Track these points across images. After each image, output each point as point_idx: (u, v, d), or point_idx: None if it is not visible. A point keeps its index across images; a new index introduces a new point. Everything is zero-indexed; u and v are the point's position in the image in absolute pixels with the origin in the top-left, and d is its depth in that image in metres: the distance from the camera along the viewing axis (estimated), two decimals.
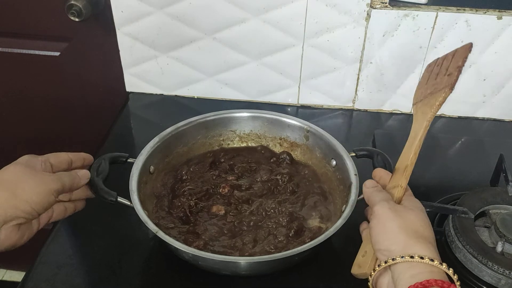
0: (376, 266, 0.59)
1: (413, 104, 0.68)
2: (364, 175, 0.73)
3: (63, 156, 0.68)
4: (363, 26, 0.94)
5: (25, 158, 0.64)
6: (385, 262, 0.57)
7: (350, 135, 1.04)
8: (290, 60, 1.00)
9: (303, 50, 0.98)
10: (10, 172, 0.61)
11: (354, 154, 0.79)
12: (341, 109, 1.06)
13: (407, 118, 1.05)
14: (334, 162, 0.80)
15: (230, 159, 0.88)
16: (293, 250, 0.65)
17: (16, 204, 0.58)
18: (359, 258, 0.64)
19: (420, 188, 0.84)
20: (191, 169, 0.85)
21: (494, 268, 0.67)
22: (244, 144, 0.90)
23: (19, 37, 1.07)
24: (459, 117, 1.05)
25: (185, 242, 0.70)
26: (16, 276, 1.63)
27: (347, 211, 0.69)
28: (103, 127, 1.02)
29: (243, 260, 0.67)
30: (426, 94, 0.65)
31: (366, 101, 1.05)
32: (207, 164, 0.86)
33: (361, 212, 0.67)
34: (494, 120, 1.05)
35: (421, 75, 0.70)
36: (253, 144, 0.90)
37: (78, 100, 1.14)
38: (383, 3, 0.91)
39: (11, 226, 0.58)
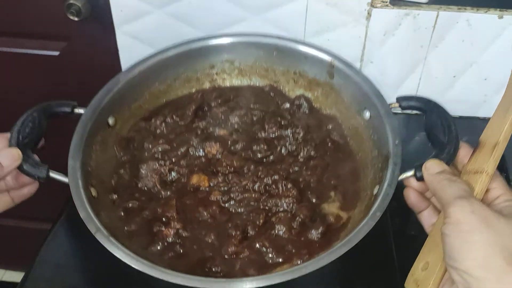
0: None
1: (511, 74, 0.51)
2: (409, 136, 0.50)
3: None
4: (363, 25, 0.94)
5: None
6: None
7: None
8: None
9: None
10: None
11: (397, 105, 0.57)
12: None
13: (408, 118, 1.04)
14: (367, 114, 0.59)
15: (224, 103, 0.64)
16: (281, 273, 0.44)
17: None
18: (417, 270, 0.46)
19: None
20: (168, 119, 0.63)
21: None
22: (245, 81, 0.66)
23: (18, 37, 1.06)
24: (460, 117, 1.05)
25: (149, 232, 0.53)
26: (16, 276, 1.63)
27: (379, 203, 0.46)
28: None
29: (204, 286, 0.47)
30: None
31: None
32: (191, 111, 0.63)
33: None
34: None
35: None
36: (258, 81, 0.66)
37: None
38: (383, 2, 0.91)
39: None
